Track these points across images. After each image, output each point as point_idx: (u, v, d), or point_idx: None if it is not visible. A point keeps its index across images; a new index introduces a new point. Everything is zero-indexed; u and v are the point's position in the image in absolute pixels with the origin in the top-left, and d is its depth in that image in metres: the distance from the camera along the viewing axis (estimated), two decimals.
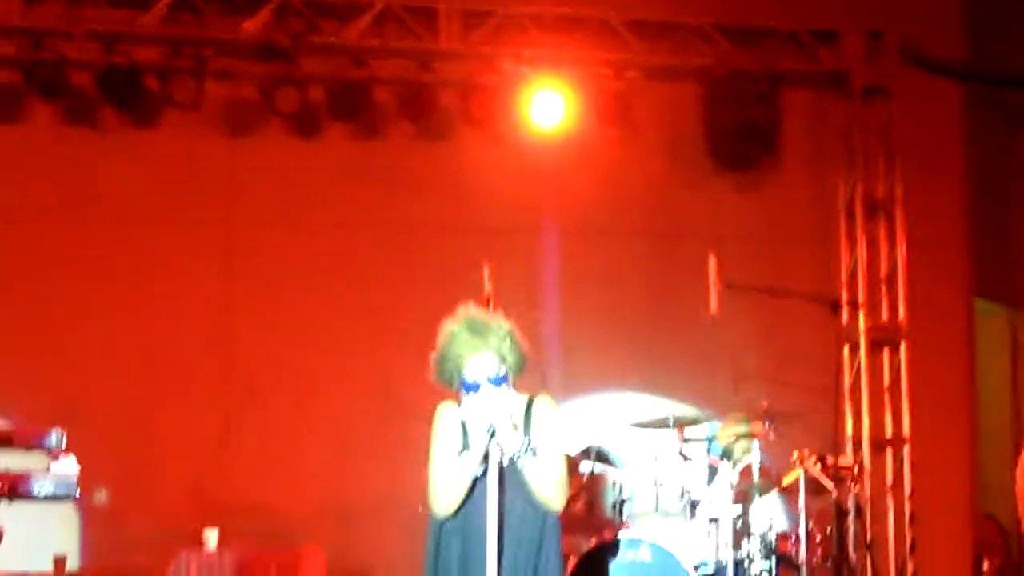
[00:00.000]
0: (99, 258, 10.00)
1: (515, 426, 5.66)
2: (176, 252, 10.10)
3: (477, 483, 5.65)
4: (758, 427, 8.66)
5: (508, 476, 5.65)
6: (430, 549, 5.81)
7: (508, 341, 5.77)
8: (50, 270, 9.91)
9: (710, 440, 8.75)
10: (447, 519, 5.72)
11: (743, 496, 8.70)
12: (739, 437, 8.71)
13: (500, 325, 5.82)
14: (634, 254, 10.59)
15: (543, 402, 5.85)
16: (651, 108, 10.62)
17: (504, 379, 5.74)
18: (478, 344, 5.74)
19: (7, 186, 9.93)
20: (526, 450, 5.64)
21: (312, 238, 10.25)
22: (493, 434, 5.60)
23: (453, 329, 5.80)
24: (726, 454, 8.70)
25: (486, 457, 5.63)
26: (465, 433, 5.73)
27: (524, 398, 5.84)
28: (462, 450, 5.69)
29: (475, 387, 5.71)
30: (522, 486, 5.68)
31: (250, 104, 10.19)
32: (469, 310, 5.89)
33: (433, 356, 5.83)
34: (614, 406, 9.85)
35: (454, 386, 5.80)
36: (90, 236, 10.01)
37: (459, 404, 5.81)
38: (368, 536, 9.86)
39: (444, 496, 5.70)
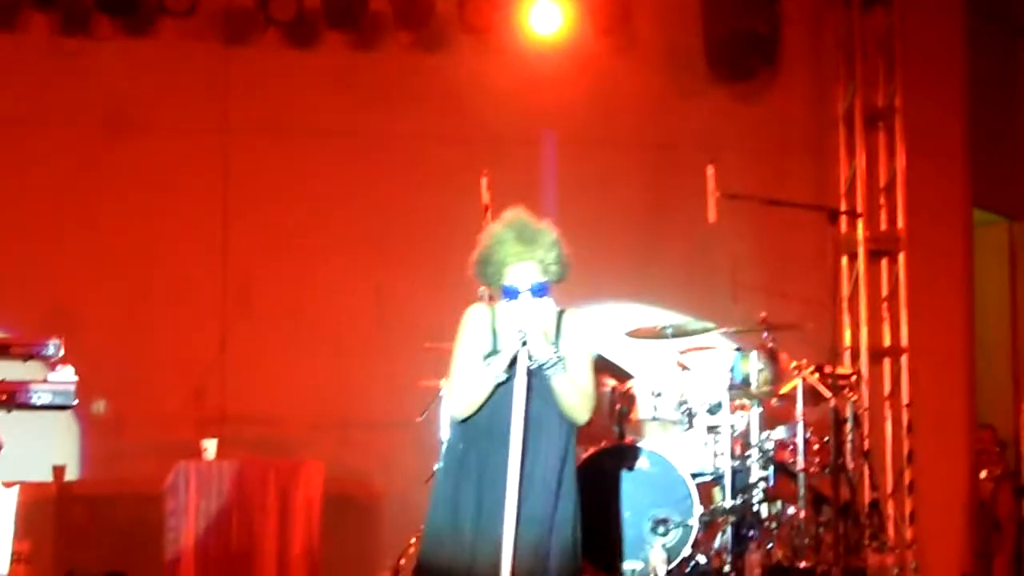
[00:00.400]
0: (94, 167, 9.94)
1: (547, 335, 5.62)
2: (171, 161, 10.02)
3: (501, 388, 5.60)
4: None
5: (534, 384, 5.61)
6: (450, 450, 5.80)
7: (554, 252, 5.72)
8: (45, 179, 9.86)
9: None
10: (469, 420, 5.69)
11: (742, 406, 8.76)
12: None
13: (547, 233, 5.75)
14: (631, 164, 10.54)
15: (574, 316, 5.81)
16: (650, 16, 10.52)
17: (545, 289, 5.69)
18: (523, 253, 5.69)
19: (1, 94, 9.86)
20: (555, 362, 5.60)
21: (308, 148, 10.18)
22: (524, 342, 5.56)
23: (500, 234, 5.73)
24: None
25: (513, 364, 5.58)
26: (495, 337, 5.69)
27: (556, 310, 5.79)
28: (490, 354, 5.66)
29: (515, 294, 5.67)
30: (548, 396, 5.65)
31: (245, 12, 10.08)
32: (518, 215, 5.79)
33: (475, 256, 5.78)
34: (612, 316, 9.83)
35: (492, 287, 5.77)
36: (85, 145, 9.95)
37: (489, 307, 5.78)
38: (367, 446, 9.89)
39: (464, 398, 5.67)
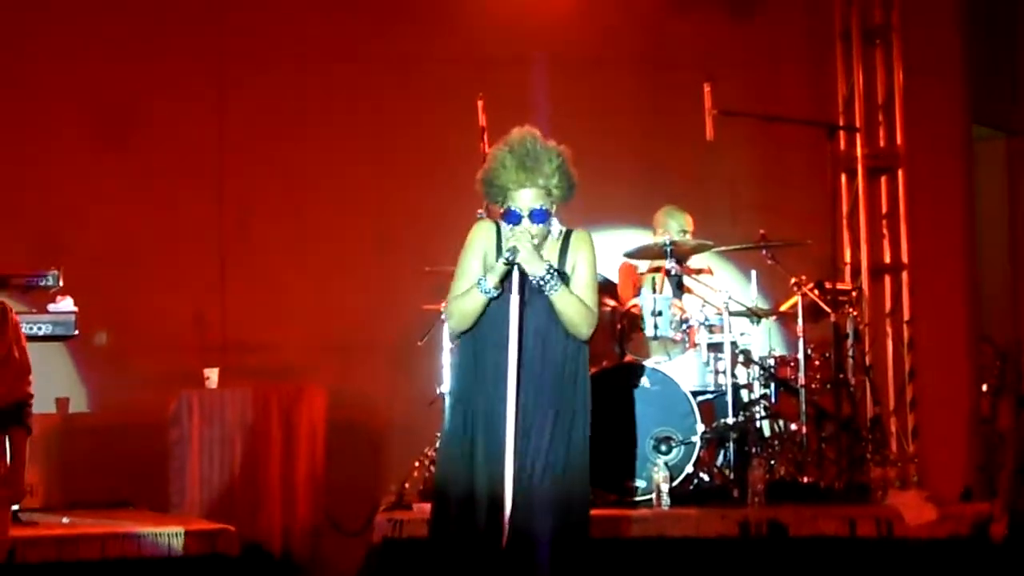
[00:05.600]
0: (89, 92, 9.88)
1: (538, 254, 5.63)
2: (167, 87, 9.97)
3: (505, 301, 5.64)
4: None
5: (539, 300, 5.65)
6: (458, 360, 5.85)
7: (557, 176, 5.70)
8: (39, 106, 9.81)
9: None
10: (477, 334, 5.73)
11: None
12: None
13: (552, 159, 5.70)
14: (627, 83, 10.48)
15: (580, 234, 5.83)
16: None
17: (546, 215, 5.70)
18: (524, 180, 5.66)
19: None
20: (549, 279, 5.62)
21: (304, 71, 10.14)
22: (512, 261, 5.58)
23: (504, 159, 5.69)
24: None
25: (506, 280, 5.62)
26: (500, 253, 5.72)
27: (562, 229, 5.80)
28: (488, 269, 5.72)
29: (516, 219, 5.69)
30: (553, 312, 5.69)
31: None
32: (523, 137, 5.72)
33: (480, 175, 5.77)
34: (611, 238, 9.82)
35: (497, 205, 5.78)
36: (80, 68, 9.88)
37: (496, 224, 5.80)
38: (369, 371, 9.90)
39: (457, 312, 5.74)
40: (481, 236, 5.81)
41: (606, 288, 8.86)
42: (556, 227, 5.76)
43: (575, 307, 5.69)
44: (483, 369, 5.70)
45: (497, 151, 5.73)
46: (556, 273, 5.65)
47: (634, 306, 8.57)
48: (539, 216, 5.67)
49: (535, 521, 5.54)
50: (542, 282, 5.62)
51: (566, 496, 5.62)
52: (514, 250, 5.57)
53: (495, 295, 5.65)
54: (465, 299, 5.71)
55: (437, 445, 6.38)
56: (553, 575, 5.54)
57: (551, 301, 5.66)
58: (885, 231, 10.64)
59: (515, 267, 5.59)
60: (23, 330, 7.78)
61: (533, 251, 5.61)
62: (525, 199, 5.68)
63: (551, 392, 5.67)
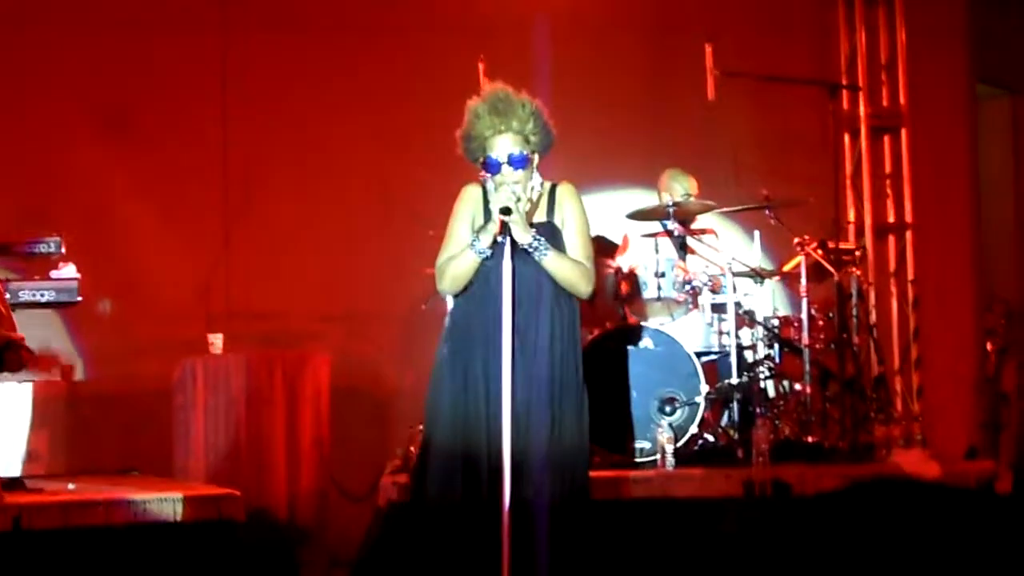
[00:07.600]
0: (91, 66, 9.86)
1: (525, 223, 5.66)
2: (170, 58, 9.93)
3: (496, 261, 5.65)
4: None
5: (529, 263, 5.68)
6: (455, 326, 5.85)
7: (532, 122, 5.77)
8: (40, 77, 9.78)
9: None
10: (470, 294, 5.78)
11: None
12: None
13: (525, 105, 5.79)
14: (630, 46, 10.44)
15: (565, 189, 5.88)
16: None
17: (525, 160, 5.77)
18: (500, 125, 5.75)
19: None
20: (537, 246, 5.66)
21: (308, 41, 10.10)
22: (508, 233, 5.61)
23: (477, 109, 5.80)
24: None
25: (499, 242, 5.65)
26: (488, 214, 5.76)
27: (547, 185, 5.88)
28: (480, 230, 5.74)
29: (496, 167, 5.74)
30: (543, 273, 5.72)
31: None
32: (496, 89, 5.83)
33: (459, 133, 5.86)
34: (615, 201, 9.81)
35: (478, 163, 5.82)
36: (83, 44, 9.85)
37: (482, 187, 5.84)
38: (374, 337, 9.93)
39: (449, 274, 5.81)
40: (468, 200, 5.89)
41: (607, 249, 8.86)
42: (538, 179, 5.82)
43: (568, 267, 5.74)
44: (476, 329, 5.73)
45: (471, 104, 5.84)
46: (543, 240, 5.67)
47: (637, 267, 8.56)
48: (518, 161, 5.74)
49: (536, 483, 5.57)
50: (530, 249, 5.66)
51: (564, 458, 5.64)
52: (507, 227, 5.60)
53: (488, 255, 5.68)
54: (458, 261, 5.76)
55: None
56: (554, 536, 5.57)
57: (543, 265, 5.69)
58: (889, 191, 10.65)
59: (507, 236, 5.62)
60: (27, 297, 7.88)
61: (522, 220, 5.64)
62: (503, 146, 5.76)
63: (548, 344, 5.68)
